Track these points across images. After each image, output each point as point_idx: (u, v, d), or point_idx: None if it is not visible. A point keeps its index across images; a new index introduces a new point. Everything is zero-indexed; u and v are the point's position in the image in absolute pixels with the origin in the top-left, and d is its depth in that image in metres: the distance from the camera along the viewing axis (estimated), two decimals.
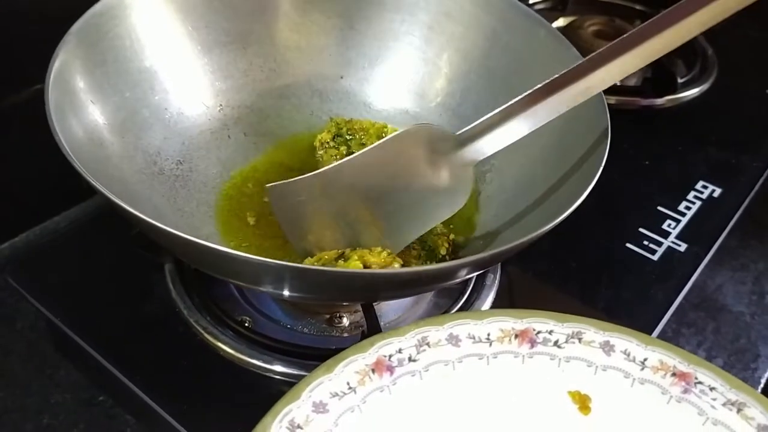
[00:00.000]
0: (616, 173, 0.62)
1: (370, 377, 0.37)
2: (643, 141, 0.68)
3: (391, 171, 0.44)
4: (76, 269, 0.51)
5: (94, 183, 0.35)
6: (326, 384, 0.36)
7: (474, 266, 0.39)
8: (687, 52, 0.79)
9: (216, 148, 0.52)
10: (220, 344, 0.45)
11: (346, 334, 0.48)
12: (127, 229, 0.47)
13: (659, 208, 0.60)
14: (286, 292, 0.39)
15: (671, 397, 0.38)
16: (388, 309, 0.49)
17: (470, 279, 0.50)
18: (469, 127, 0.43)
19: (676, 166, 0.65)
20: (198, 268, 0.45)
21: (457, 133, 0.44)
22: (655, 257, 0.55)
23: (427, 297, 0.50)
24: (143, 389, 0.43)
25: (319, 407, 0.35)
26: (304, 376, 0.43)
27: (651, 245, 0.56)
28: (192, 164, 0.50)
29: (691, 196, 0.61)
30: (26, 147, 0.54)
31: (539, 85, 0.41)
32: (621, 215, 0.59)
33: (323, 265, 0.42)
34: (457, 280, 0.40)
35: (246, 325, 0.47)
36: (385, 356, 0.37)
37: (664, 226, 0.58)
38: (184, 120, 0.51)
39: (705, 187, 0.62)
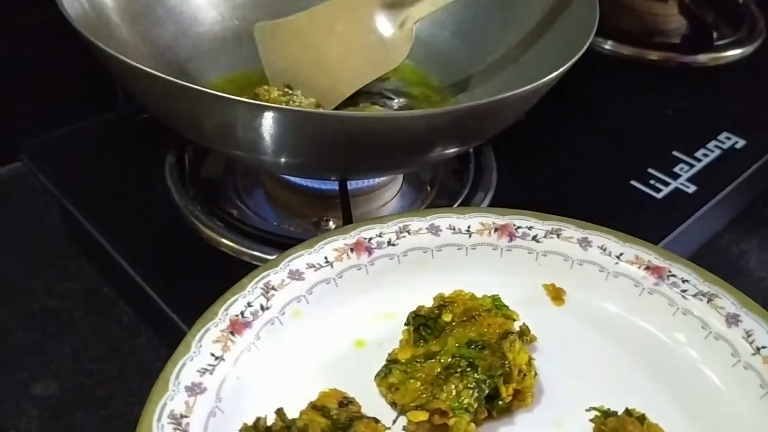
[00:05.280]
0: (634, 119, 0.61)
1: (348, 255, 0.38)
2: (673, 94, 0.66)
3: (344, 23, 0.51)
4: (90, 164, 0.54)
5: (87, 36, 0.37)
6: (305, 257, 0.37)
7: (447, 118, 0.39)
8: (734, 15, 0.76)
9: (227, 55, 0.54)
10: (208, 231, 0.47)
11: None
12: (133, 114, 0.50)
13: (674, 152, 0.58)
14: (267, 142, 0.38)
15: (644, 289, 0.38)
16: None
17: (460, 196, 0.51)
18: None
19: (702, 118, 0.63)
20: (188, 133, 0.45)
21: None
22: (659, 195, 0.53)
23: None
24: (129, 263, 0.46)
25: (295, 275, 0.36)
26: None
27: (657, 185, 0.54)
28: (200, 63, 0.52)
29: (711, 144, 0.59)
30: (59, 62, 0.58)
31: None
32: (631, 155, 0.58)
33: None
34: (448, 152, 0.42)
35: (234, 215, 0.49)
36: (365, 238, 0.39)
37: (676, 169, 0.56)
38: (198, 25, 0.53)
39: (728, 138, 0.60)
